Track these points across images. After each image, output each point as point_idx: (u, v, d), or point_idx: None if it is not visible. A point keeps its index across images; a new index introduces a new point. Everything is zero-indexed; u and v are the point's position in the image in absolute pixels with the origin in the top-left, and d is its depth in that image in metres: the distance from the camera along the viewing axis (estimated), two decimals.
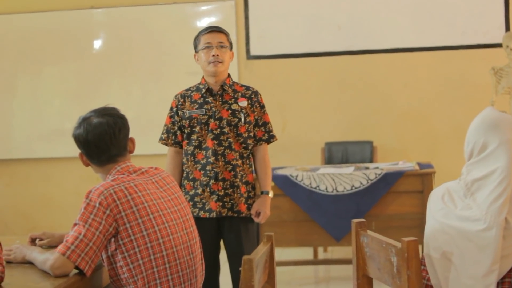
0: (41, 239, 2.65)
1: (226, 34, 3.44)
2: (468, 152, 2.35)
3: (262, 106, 3.47)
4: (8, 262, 2.40)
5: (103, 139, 2.39)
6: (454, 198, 2.29)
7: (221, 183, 3.36)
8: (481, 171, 2.27)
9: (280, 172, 4.71)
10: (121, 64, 6.13)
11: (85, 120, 2.44)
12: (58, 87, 6.25)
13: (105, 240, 2.26)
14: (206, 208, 3.37)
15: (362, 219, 2.38)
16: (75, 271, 2.25)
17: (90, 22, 6.20)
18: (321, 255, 5.54)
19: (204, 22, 5.96)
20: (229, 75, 3.49)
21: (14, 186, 6.35)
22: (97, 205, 2.26)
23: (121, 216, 2.27)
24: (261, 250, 2.32)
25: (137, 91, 6.14)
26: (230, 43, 3.45)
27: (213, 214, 3.36)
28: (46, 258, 2.24)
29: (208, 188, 3.37)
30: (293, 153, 5.82)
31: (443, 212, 2.27)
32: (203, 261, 2.56)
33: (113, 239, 2.30)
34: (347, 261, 5.10)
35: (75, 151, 6.61)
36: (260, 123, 3.45)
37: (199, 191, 3.38)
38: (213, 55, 3.35)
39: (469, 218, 2.20)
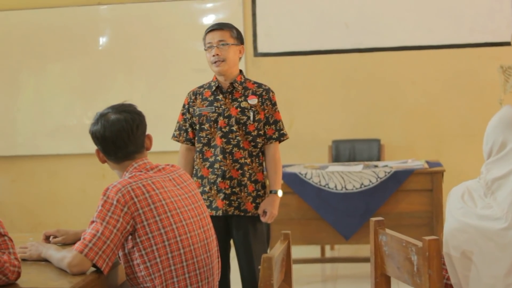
0: (55, 237, 2.62)
1: (229, 30, 3.37)
2: (487, 151, 2.32)
3: (274, 104, 3.44)
4: (24, 259, 2.38)
5: (120, 135, 2.37)
6: (474, 197, 2.27)
7: (228, 182, 3.34)
8: (501, 170, 2.25)
9: (288, 169, 4.69)
10: (127, 61, 6.11)
11: (102, 117, 2.41)
12: (64, 84, 6.23)
13: (122, 237, 2.24)
14: (213, 206, 3.35)
15: (380, 218, 2.36)
16: (92, 269, 2.23)
17: (96, 19, 6.18)
18: (328, 253, 5.52)
19: (211, 19, 5.94)
20: (241, 71, 3.47)
21: (19, 183, 6.34)
22: (114, 202, 2.24)
23: (138, 214, 2.26)
24: (278, 248, 2.31)
25: (142, 88, 6.12)
26: (237, 38, 3.39)
27: (220, 213, 3.34)
28: (63, 256, 2.23)
29: (215, 186, 3.35)
30: (300, 151, 5.81)
31: (463, 211, 2.25)
32: (220, 259, 2.55)
33: (130, 237, 2.28)
34: (354, 259, 5.10)
35: (80, 147, 6.62)
36: (270, 121, 3.42)
37: (207, 188, 3.37)
38: (213, 55, 3.33)
39: (490, 217, 2.18)
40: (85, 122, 6.18)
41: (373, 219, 2.36)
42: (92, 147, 6.66)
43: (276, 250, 2.25)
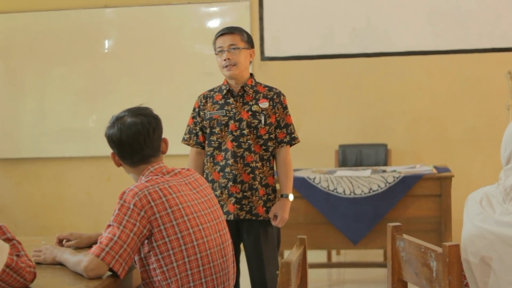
0: (68, 240, 2.60)
1: (240, 34, 3.36)
2: (506, 157, 2.30)
3: (285, 108, 3.42)
4: (38, 263, 2.36)
5: (137, 139, 2.35)
6: (493, 203, 2.25)
7: (239, 186, 3.33)
8: None
9: (297, 174, 4.67)
10: (132, 64, 6.10)
11: (118, 120, 2.39)
12: (69, 86, 6.22)
13: (139, 242, 2.23)
14: (224, 211, 3.33)
15: (397, 223, 2.34)
16: (109, 273, 2.21)
17: (103, 21, 6.17)
18: (334, 258, 5.50)
19: (218, 23, 5.94)
20: (251, 75, 3.46)
21: (24, 186, 6.32)
22: (131, 206, 2.23)
23: (155, 218, 2.24)
24: (295, 253, 2.29)
25: (148, 91, 6.10)
26: (247, 42, 3.38)
27: (231, 217, 3.33)
28: (79, 260, 2.21)
29: (226, 190, 3.34)
30: (307, 155, 5.79)
31: (482, 217, 2.23)
32: (235, 263, 2.53)
33: (146, 241, 2.27)
34: (362, 265, 5.08)
35: (85, 150, 6.59)
36: (282, 125, 3.40)
37: (218, 193, 3.35)
38: (224, 60, 3.32)
39: (509, 223, 2.17)
40: (90, 125, 6.17)
41: (391, 224, 2.34)
42: (97, 150, 6.64)
43: (293, 255, 2.24)
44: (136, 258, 2.31)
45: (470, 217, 2.28)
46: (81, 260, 2.20)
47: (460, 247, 2.07)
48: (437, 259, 2.08)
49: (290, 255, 2.23)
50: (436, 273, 2.09)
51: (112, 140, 2.38)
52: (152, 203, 2.25)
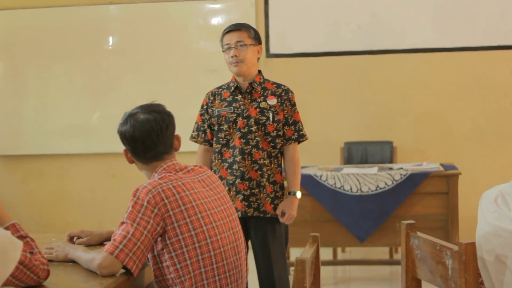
0: (79, 237, 2.59)
1: (247, 30, 3.35)
2: None
3: (293, 105, 3.41)
4: (50, 260, 2.35)
5: (150, 136, 2.34)
6: (508, 201, 2.24)
7: (247, 183, 3.32)
8: None
9: (303, 171, 4.66)
10: (136, 60, 6.08)
11: (131, 116, 2.37)
12: (73, 83, 6.20)
13: (152, 239, 2.21)
14: None
15: (412, 221, 2.33)
16: (122, 270, 2.20)
17: (107, 18, 6.15)
18: (340, 255, 5.49)
19: (223, 20, 5.92)
20: (260, 72, 3.44)
21: (29, 182, 6.30)
22: (145, 203, 2.21)
23: (169, 215, 2.23)
24: (309, 251, 2.28)
25: (152, 88, 6.07)
26: (255, 38, 3.36)
27: (239, 214, 3.32)
28: (92, 257, 2.20)
29: (234, 188, 3.33)
30: (312, 153, 5.77)
31: (497, 214, 2.22)
32: (247, 261, 2.52)
33: (160, 239, 2.26)
34: (368, 262, 5.08)
35: (90, 147, 6.56)
36: (290, 122, 3.39)
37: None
38: (232, 56, 3.30)
39: None
40: (93, 121, 6.15)
41: (405, 222, 2.33)
42: (100, 147, 6.60)
43: (307, 253, 2.22)
44: (149, 255, 2.30)
45: (484, 215, 2.27)
46: (94, 257, 2.18)
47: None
48: (453, 257, 2.06)
49: (304, 252, 2.22)
50: (451, 271, 2.08)
51: (125, 137, 2.37)
52: (166, 200, 2.23)
